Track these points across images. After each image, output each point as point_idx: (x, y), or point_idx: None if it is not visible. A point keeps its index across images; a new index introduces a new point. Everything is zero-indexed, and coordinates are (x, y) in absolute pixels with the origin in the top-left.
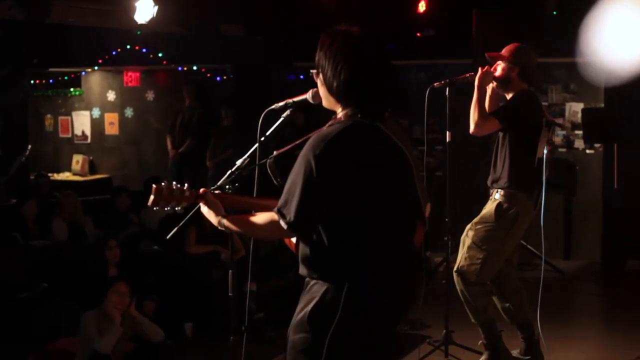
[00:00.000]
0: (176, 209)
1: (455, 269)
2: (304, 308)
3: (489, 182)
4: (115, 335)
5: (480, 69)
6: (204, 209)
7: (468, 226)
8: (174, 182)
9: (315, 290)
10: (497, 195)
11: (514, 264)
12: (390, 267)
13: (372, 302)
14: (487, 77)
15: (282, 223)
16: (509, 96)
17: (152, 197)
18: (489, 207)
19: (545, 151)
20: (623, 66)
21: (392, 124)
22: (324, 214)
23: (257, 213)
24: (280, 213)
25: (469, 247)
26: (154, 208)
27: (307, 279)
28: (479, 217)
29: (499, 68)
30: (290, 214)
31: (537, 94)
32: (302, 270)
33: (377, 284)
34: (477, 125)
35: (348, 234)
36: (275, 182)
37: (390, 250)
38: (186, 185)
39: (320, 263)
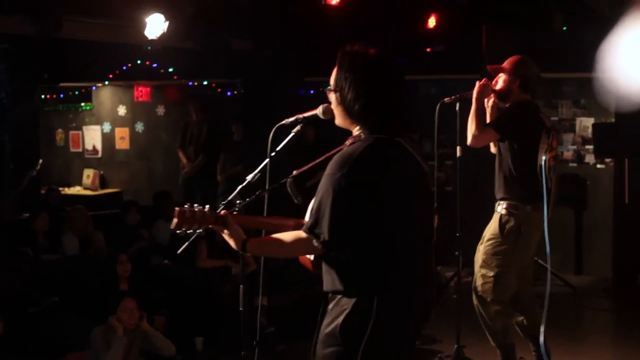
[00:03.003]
0: (198, 231)
1: (472, 288)
2: (334, 321)
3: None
4: (120, 346)
5: (478, 82)
6: (225, 234)
7: (480, 243)
8: (196, 205)
9: (344, 302)
10: (499, 208)
11: (530, 279)
12: (417, 280)
13: (401, 314)
14: (485, 90)
15: (316, 243)
16: None
17: (175, 220)
18: (493, 223)
19: (544, 158)
20: (635, 83)
21: (407, 140)
22: (353, 230)
23: (279, 234)
24: (312, 233)
25: (481, 266)
26: (177, 231)
27: (331, 294)
28: (486, 233)
29: (500, 80)
30: (324, 234)
31: (536, 103)
32: (329, 286)
33: (405, 296)
34: (474, 136)
35: (377, 249)
36: (295, 200)
37: (417, 263)
38: (207, 207)
39: (349, 278)
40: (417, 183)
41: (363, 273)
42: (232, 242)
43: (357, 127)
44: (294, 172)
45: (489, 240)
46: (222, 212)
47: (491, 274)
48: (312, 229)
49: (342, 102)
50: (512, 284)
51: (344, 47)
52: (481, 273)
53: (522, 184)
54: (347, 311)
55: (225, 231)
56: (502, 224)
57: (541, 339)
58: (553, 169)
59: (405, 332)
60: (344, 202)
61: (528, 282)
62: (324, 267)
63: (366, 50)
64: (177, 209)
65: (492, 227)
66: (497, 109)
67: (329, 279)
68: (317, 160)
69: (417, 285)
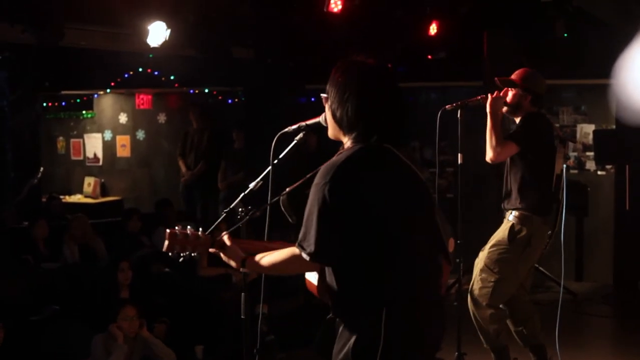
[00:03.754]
0: (192, 254)
1: (469, 291)
2: (345, 344)
3: (503, 205)
4: (120, 354)
5: (490, 96)
6: (223, 256)
7: (482, 249)
8: (189, 227)
9: (354, 324)
10: (510, 217)
11: (527, 288)
12: (426, 290)
13: (412, 328)
14: (498, 103)
15: (304, 255)
16: (517, 120)
17: (166, 242)
18: (503, 230)
19: (564, 167)
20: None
21: (401, 147)
22: (346, 241)
23: (276, 251)
24: (300, 246)
25: (481, 270)
26: (169, 254)
27: (338, 319)
28: (492, 239)
29: (510, 94)
30: (311, 245)
31: (546, 114)
32: (337, 310)
33: (414, 308)
34: (495, 151)
35: (374, 259)
36: (290, 220)
37: (423, 273)
38: (200, 230)
39: (353, 295)
40: (409, 191)
41: (364, 286)
42: (231, 263)
43: (346, 138)
44: (287, 190)
45: (494, 246)
46: (224, 234)
47: (492, 279)
48: (301, 242)
49: (331, 112)
50: (509, 292)
51: (343, 57)
52: (481, 277)
53: (536, 194)
54: (356, 334)
55: (223, 255)
56: (513, 233)
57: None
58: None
59: (419, 344)
60: (329, 212)
61: (525, 291)
62: (329, 290)
63: (358, 60)
64: (168, 231)
65: (499, 234)
66: (503, 120)
67: (334, 303)
68: (308, 176)
69: (425, 295)
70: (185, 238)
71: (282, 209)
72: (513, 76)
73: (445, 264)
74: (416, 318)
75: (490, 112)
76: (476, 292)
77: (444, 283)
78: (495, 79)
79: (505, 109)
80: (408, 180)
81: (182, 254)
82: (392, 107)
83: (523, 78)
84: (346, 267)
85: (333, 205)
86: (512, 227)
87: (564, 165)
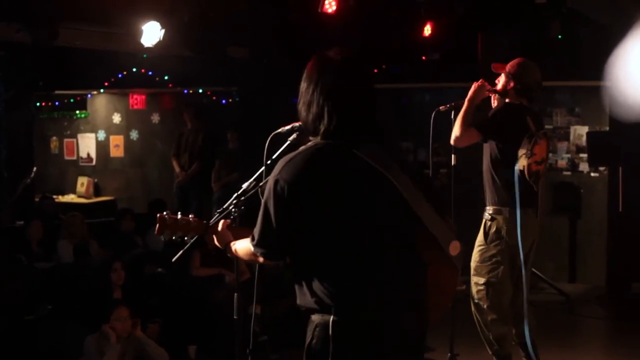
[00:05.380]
0: (185, 238)
1: (470, 296)
2: (305, 343)
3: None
4: (113, 354)
5: (475, 83)
6: (214, 240)
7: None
8: (179, 212)
9: (309, 326)
10: (485, 215)
11: (521, 287)
12: (383, 298)
13: (366, 337)
14: (480, 91)
15: (251, 246)
16: None
17: (157, 225)
18: (480, 229)
19: (525, 163)
20: (631, 91)
21: (373, 148)
22: (294, 238)
23: (245, 239)
24: (252, 236)
25: (472, 274)
26: (161, 237)
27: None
28: (476, 241)
29: (501, 81)
30: (256, 236)
31: (528, 108)
32: (298, 304)
33: (366, 317)
34: (456, 136)
35: (323, 260)
36: None
37: (382, 280)
38: (191, 215)
39: (305, 293)
40: (368, 190)
41: (313, 287)
42: (219, 243)
43: (312, 139)
44: (265, 180)
45: (476, 247)
46: (225, 220)
47: (482, 281)
48: (253, 232)
49: (298, 110)
50: (505, 289)
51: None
52: (474, 281)
53: (503, 187)
54: (309, 337)
55: (214, 238)
56: (485, 230)
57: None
58: (537, 175)
59: (379, 355)
60: (274, 206)
61: (519, 291)
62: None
63: (325, 56)
64: (158, 215)
65: (479, 234)
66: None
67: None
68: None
69: (380, 305)
70: (175, 222)
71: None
72: (507, 65)
73: (449, 267)
74: (371, 334)
75: (469, 98)
76: (475, 296)
77: (450, 286)
78: (492, 65)
79: (496, 97)
80: (368, 183)
81: (173, 238)
82: (357, 106)
83: (512, 65)
84: (296, 263)
85: (277, 199)
86: (484, 224)
87: (525, 163)
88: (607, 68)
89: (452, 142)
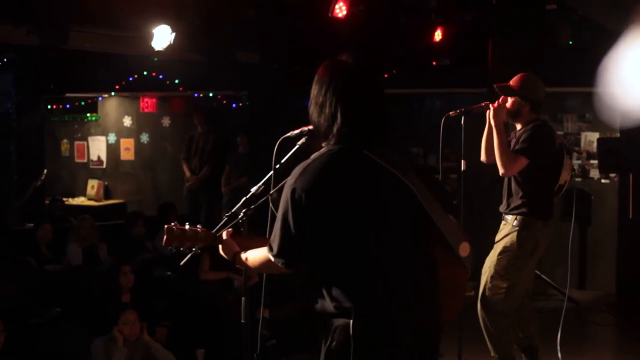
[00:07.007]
0: (193, 249)
1: (479, 299)
2: (323, 348)
3: (502, 209)
4: (120, 358)
5: (492, 106)
6: (222, 252)
7: (489, 256)
8: (187, 223)
9: (327, 329)
10: (514, 223)
11: (529, 292)
12: (397, 301)
13: (385, 340)
14: (500, 113)
15: (270, 256)
16: (518, 126)
17: (165, 237)
18: (508, 235)
19: (568, 177)
20: None
21: (384, 150)
22: (313, 245)
23: (260, 249)
24: (269, 246)
25: (492, 277)
26: (169, 248)
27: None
28: (499, 245)
29: (510, 100)
30: (275, 246)
31: (547, 122)
32: (314, 310)
33: (386, 318)
34: (506, 167)
35: (342, 265)
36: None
37: (395, 282)
38: (199, 226)
39: (324, 299)
40: (383, 196)
41: (333, 292)
42: (226, 255)
43: (324, 142)
44: (277, 186)
45: (503, 252)
46: (228, 230)
47: (504, 285)
48: (270, 243)
49: (309, 115)
50: (519, 296)
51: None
52: (492, 284)
53: (541, 201)
54: (327, 342)
55: (221, 249)
56: (520, 239)
57: None
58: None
59: (393, 351)
60: (293, 214)
61: (528, 296)
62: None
63: (338, 61)
64: (165, 226)
65: (507, 240)
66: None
67: (311, 302)
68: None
69: (399, 306)
70: (183, 233)
71: (272, 206)
72: (511, 82)
73: (460, 270)
74: (390, 337)
75: (495, 125)
76: (489, 299)
77: (460, 287)
78: (494, 85)
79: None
80: (383, 185)
81: (181, 250)
82: (369, 109)
83: (521, 86)
84: (315, 269)
85: (297, 208)
86: (518, 233)
87: (568, 178)
88: (613, 74)
89: (502, 173)
